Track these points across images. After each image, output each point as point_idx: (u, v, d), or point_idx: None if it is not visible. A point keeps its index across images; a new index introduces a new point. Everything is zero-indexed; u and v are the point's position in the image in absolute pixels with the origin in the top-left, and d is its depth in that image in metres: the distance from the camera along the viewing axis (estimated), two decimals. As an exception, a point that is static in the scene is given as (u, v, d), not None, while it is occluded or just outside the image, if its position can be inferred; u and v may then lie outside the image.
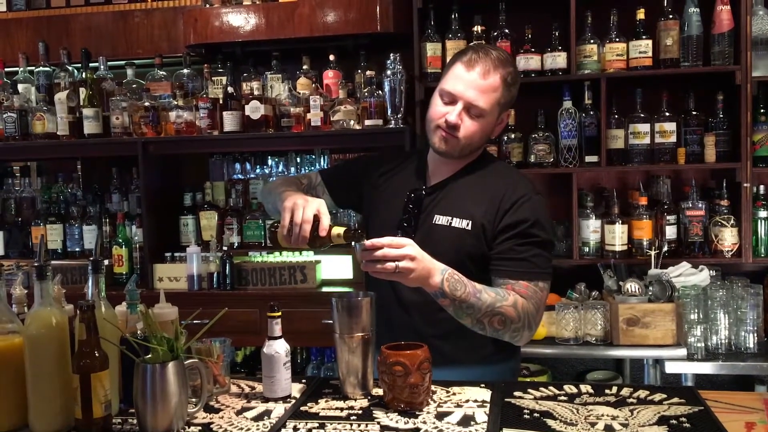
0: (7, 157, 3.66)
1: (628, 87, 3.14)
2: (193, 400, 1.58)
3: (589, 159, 3.12)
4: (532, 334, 1.83)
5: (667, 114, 3.11)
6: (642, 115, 3.11)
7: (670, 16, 3.04)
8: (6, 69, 3.60)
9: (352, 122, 3.14)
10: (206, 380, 1.58)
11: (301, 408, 1.61)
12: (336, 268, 3.36)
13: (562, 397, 1.64)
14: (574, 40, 3.08)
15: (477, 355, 1.90)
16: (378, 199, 2.03)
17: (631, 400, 1.62)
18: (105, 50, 3.56)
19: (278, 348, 1.67)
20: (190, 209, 3.46)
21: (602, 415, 1.52)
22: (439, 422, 1.50)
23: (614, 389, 1.69)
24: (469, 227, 1.85)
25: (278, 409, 1.61)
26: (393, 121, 3.09)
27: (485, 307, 1.72)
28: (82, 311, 1.45)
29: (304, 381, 1.80)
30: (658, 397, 1.63)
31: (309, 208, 1.71)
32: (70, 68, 3.49)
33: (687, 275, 2.92)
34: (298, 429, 1.48)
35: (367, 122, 3.14)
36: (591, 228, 3.14)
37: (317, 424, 1.50)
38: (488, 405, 1.60)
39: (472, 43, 2.99)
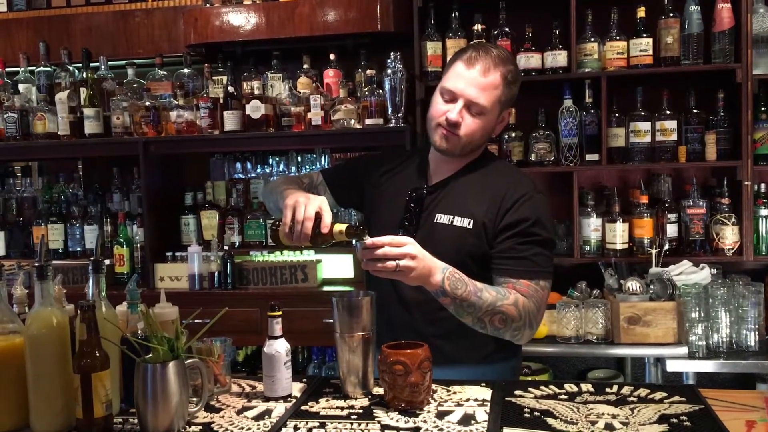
0: (8, 157, 3.67)
1: (628, 85, 3.14)
2: (194, 399, 1.58)
3: (589, 157, 3.12)
4: (533, 332, 1.83)
5: (668, 112, 3.11)
6: (643, 113, 3.11)
7: (671, 14, 3.04)
8: (7, 69, 3.61)
9: (352, 121, 3.15)
10: (207, 380, 1.58)
11: (302, 407, 1.61)
12: (337, 267, 3.36)
13: (563, 396, 1.64)
14: (575, 38, 3.08)
15: (478, 354, 1.90)
16: (379, 198, 2.03)
17: (631, 398, 1.62)
18: (105, 50, 3.56)
19: (279, 347, 1.67)
20: (191, 209, 3.46)
21: (603, 414, 1.52)
22: (439, 421, 1.50)
23: (615, 388, 1.69)
24: (471, 226, 1.85)
25: (279, 409, 1.61)
26: (393, 121, 3.09)
27: (486, 306, 1.72)
28: (83, 311, 1.45)
29: (304, 380, 1.80)
30: (658, 395, 1.63)
31: (311, 206, 1.71)
32: (70, 68, 3.50)
33: (688, 273, 2.92)
34: (299, 428, 1.48)
35: (368, 121, 3.14)
36: (592, 226, 3.14)
37: (318, 424, 1.50)
38: (489, 404, 1.60)
39: (472, 42, 2.99)
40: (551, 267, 1.86)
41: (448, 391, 1.69)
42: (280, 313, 1.69)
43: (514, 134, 3.21)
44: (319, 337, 3.02)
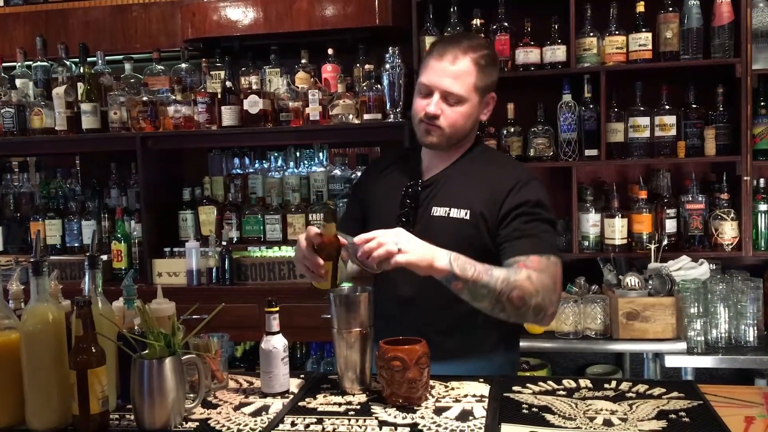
0: (5, 152, 3.65)
1: (627, 80, 3.13)
2: (191, 395, 1.58)
3: (588, 153, 3.11)
4: (555, 310, 1.78)
5: (667, 107, 3.10)
6: (642, 108, 3.10)
7: (670, 9, 3.03)
8: (3, 64, 3.60)
9: (350, 116, 3.13)
10: (204, 376, 1.58)
11: (299, 403, 1.60)
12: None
13: (561, 392, 1.64)
14: (574, 33, 3.07)
15: (477, 350, 1.90)
16: (374, 199, 2.02)
17: (630, 394, 1.62)
18: (103, 45, 3.55)
19: (276, 343, 1.66)
20: (189, 204, 3.45)
21: (601, 410, 1.51)
22: (437, 417, 1.50)
23: (613, 384, 1.69)
24: (468, 216, 1.85)
25: (276, 405, 1.60)
26: (392, 115, 3.08)
27: (500, 283, 1.68)
28: (79, 307, 1.45)
29: (302, 376, 1.80)
30: (657, 391, 1.63)
31: (300, 243, 1.74)
32: (67, 63, 3.48)
33: (687, 269, 2.91)
34: (296, 424, 1.48)
35: (366, 116, 3.13)
36: (591, 222, 3.13)
37: (315, 420, 1.49)
38: (487, 400, 1.59)
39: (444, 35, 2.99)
40: (557, 247, 1.86)
41: (446, 387, 1.69)
42: (277, 308, 1.69)
43: (512, 129, 3.20)
44: (317, 333, 3.01)
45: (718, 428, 1.41)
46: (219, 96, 3.24)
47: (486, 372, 1.81)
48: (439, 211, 1.88)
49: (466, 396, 1.62)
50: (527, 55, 3.10)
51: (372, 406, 1.57)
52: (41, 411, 1.49)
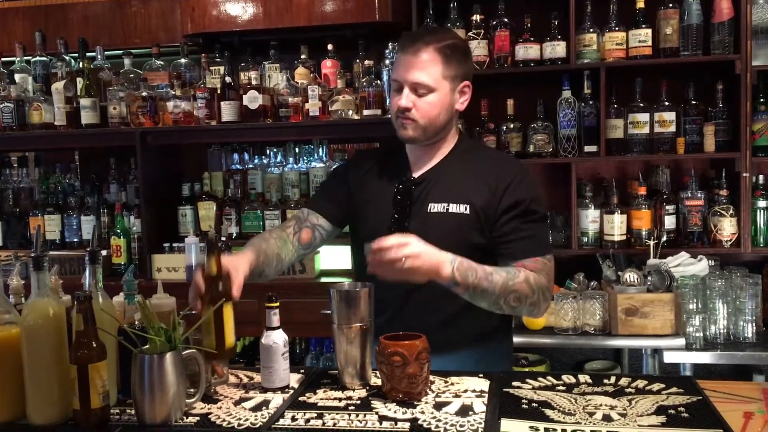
0: (4, 147, 3.65)
1: (627, 76, 3.13)
2: (191, 390, 1.58)
3: (588, 149, 3.11)
4: (548, 305, 1.89)
5: (667, 103, 3.10)
6: (641, 104, 3.10)
7: (670, 5, 3.02)
8: (3, 59, 3.59)
9: (350, 112, 3.13)
10: (204, 371, 1.58)
11: (300, 398, 1.61)
12: (335, 258, 3.35)
13: (561, 387, 1.64)
14: (574, 29, 3.06)
15: (473, 339, 1.92)
16: (364, 199, 2.00)
17: (629, 389, 1.62)
18: (102, 40, 3.54)
19: (276, 338, 1.66)
20: (189, 199, 3.45)
21: (600, 405, 1.52)
22: (437, 412, 1.50)
23: (612, 379, 1.69)
24: (468, 211, 1.86)
25: (276, 400, 1.61)
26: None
27: (499, 288, 1.76)
28: (80, 302, 1.45)
29: (302, 371, 1.80)
30: (656, 386, 1.63)
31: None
32: (67, 58, 3.48)
33: (686, 265, 2.91)
34: (296, 419, 1.48)
35: (366, 112, 3.13)
36: (590, 218, 3.14)
37: (315, 415, 1.50)
38: (486, 395, 1.60)
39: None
40: (550, 244, 1.96)
41: (446, 382, 1.69)
42: (277, 304, 1.69)
43: (512, 125, 3.19)
44: (317, 328, 3.00)
45: (718, 424, 1.42)
46: (218, 91, 3.24)
47: (483, 360, 1.86)
48: (436, 207, 1.88)
49: (465, 391, 1.62)
50: (527, 51, 3.10)
51: (372, 401, 1.58)
52: (42, 406, 1.49)
